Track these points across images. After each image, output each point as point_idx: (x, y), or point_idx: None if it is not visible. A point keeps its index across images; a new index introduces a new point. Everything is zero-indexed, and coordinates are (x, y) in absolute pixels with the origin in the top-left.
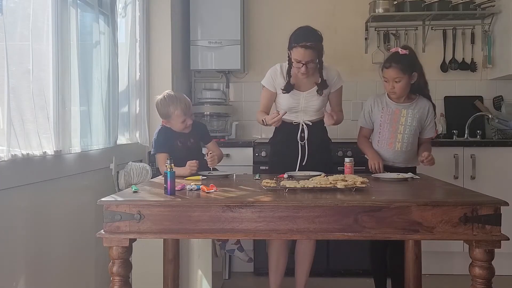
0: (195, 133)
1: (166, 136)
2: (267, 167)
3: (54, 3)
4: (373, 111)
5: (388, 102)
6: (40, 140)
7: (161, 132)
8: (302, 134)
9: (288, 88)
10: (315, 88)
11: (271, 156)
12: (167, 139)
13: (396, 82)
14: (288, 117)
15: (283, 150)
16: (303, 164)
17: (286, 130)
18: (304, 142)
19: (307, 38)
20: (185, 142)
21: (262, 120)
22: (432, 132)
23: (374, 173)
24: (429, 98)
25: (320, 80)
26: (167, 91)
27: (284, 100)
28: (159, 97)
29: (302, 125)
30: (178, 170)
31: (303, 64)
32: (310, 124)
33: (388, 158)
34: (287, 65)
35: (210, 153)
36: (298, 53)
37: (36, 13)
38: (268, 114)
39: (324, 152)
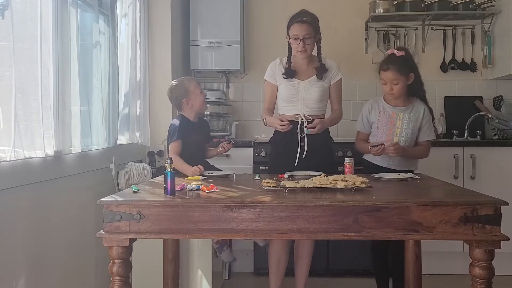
0: (203, 129)
1: (187, 126)
2: (267, 167)
3: (54, 3)
4: (370, 115)
5: (384, 105)
6: (40, 140)
7: (182, 122)
8: (302, 127)
9: (288, 72)
10: (315, 76)
11: (271, 156)
12: (187, 129)
13: (394, 84)
14: (288, 111)
15: (284, 149)
16: (303, 157)
17: None
18: (304, 136)
19: (303, 15)
20: (197, 136)
21: (264, 119)
22: (427, 135)
23: (379, 153)
24: (424, 99)
25: (319, 65)
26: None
27: (284, 90)
28: (169, 87)
29: (302, 118)
30: (182, 165)
31: (301, 40)
32: (311, 119)
33: (384, 161)
34: (287, 56)
35: (228, 142)
36: (295, 29)
37: (36, 14)
38: (272, 109)
39: (326, 152)
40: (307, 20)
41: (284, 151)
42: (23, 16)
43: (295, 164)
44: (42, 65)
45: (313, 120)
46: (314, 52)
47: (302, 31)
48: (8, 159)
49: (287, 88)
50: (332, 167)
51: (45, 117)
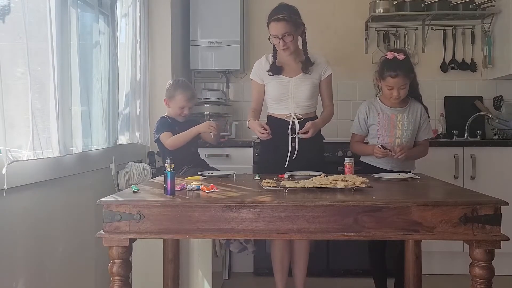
0: (192, 125)
1: (166, 122)
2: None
3: (54, 3)
4: (369, 117)
5: (382, 107)
6: (41, 140)
7: (162, 119)
8: (293, 127)
9: (274, 69)
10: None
11: (261, 156)
12: (168, 124)
13: (402, 88)
14: (278, 110)
15: (274, 149)
16: (293, 158)
17: (276, 126)
18: (295, 136)
19: (278, 12)
20: (182, 129)
21: (247, 121)
22: (426, 134)
23: (384, 156)
24: (420, 99)
25: (304, 58)
26: (182, 78)
27: (273, 89)
28: (174, 79)
29: (293, 117)
30: (184, 134)
31: (280, 38)
32: (302, 118)
33: (387, 163)
34: (272, 52)
35: (215, 124)
36: (272, 28)
37: (37, 14)
38: (259, 110)
39: (317, 152)
40: (283, 17)
41: (274, 152)
42: (36, 16)
43: (285, 166)
44: (44, 65)
45: (304, 120)
46: (301, 45)
47: (279, 30)
48: (25, 158)
49: (276, 86)
50: (324, 167)
51: (49, 117)
